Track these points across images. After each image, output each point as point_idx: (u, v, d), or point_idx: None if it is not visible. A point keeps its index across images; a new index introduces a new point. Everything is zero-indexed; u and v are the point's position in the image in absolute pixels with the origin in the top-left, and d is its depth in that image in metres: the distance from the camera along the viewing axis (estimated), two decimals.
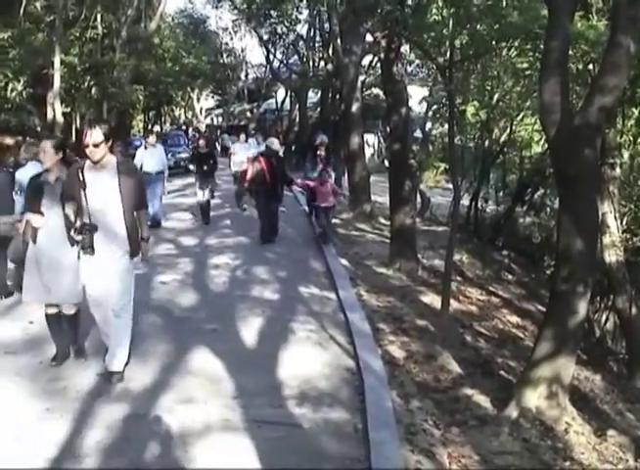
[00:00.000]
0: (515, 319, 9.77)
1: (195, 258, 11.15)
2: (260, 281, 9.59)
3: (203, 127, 51.99)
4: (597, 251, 7.84)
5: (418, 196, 16.79)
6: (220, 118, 60.56)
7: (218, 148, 35.54)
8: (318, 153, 14.69)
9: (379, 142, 35.57)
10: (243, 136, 19.49)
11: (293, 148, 32.05)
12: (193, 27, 46.84)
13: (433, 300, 9.16)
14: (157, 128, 42.48)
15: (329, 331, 7.45)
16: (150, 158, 14.02)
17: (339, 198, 14.69)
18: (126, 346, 6.07)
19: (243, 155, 17.38)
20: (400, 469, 4.71)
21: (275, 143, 13.09)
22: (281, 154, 14.18)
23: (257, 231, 12.75)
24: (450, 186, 11.77)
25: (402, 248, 11.00)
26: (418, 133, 23.93)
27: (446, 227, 14.82)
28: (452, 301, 8.83)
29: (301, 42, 36.30)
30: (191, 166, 17.00)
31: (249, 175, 12.71)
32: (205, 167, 14.77)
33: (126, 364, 6.11)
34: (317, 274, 10.16)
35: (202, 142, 15.59)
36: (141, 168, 13.22)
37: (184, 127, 48.91)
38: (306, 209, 15.00)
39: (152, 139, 14.54)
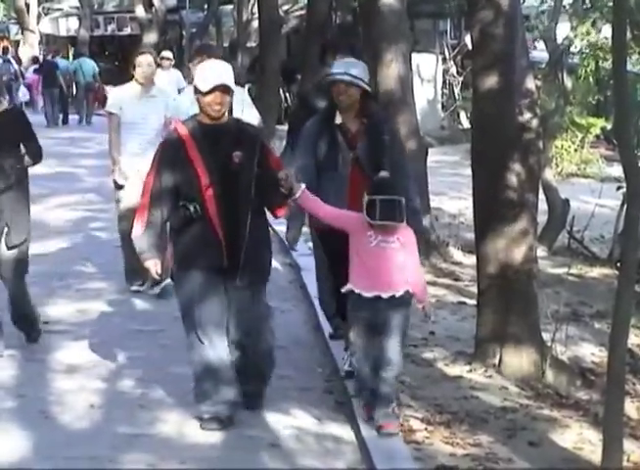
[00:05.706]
0: None
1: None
2: (168, 405, 5.83)
3: (34, 44, 28.08)
4: None
5: (541, 196, 8.87)
6: (75, 23, 31.18)
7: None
8: (337, 122, 5.28)
9: (446, 73, 20.98)
10: (145, 66, 7.20)
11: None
12: None
13: (581, 439, 5.65)
14: None
15: None
16: None
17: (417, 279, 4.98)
18: None
19: (144, 130, 7.24)
20: None
21: (222, 72, 4.81)
22: (258, 118, 6.89)
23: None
24: (616, 172, 8.16)
25: (506, 319, 6.60)
26: (539, 49, 15.26)
27: (609, 269, 9.97)
28: (629, 442, 5.41)
29: None
30: None
31: (142, 198, 4.89)
32: None
33: None
34: (309, 387, 6.29)
35: None
36: None
37: None
38: (321, 317, 6.56)
39: None
